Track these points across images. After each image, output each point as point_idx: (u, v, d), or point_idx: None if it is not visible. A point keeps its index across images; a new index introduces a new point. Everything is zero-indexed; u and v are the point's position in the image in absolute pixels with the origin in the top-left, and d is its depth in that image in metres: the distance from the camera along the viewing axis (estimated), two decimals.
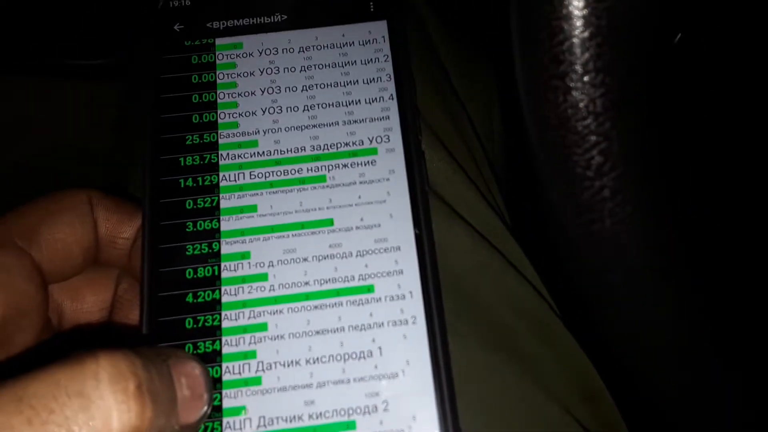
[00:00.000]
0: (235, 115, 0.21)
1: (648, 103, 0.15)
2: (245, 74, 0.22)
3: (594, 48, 0.14)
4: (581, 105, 0.14)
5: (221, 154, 0.21)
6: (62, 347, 0.20)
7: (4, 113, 0.34)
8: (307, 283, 0.19)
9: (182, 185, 0.20)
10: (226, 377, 0.19)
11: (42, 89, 0.35)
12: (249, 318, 0.19)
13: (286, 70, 0.22)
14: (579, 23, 0.13)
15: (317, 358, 0.19)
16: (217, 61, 0.22)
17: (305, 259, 0.20)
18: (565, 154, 0.14)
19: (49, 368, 0.13)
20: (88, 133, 0.34)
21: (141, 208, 0.20)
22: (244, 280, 0.19)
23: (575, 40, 0.14)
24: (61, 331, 0.20)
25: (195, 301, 0.19)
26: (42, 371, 0.13)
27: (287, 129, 0.21)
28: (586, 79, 0.14)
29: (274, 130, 0.21)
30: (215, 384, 0.18)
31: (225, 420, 0.18)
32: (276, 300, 0.19)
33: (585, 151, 0.14)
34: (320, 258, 0.20)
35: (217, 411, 0.18)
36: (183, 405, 0.15)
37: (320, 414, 0.18)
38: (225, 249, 0.20)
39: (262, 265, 0.20)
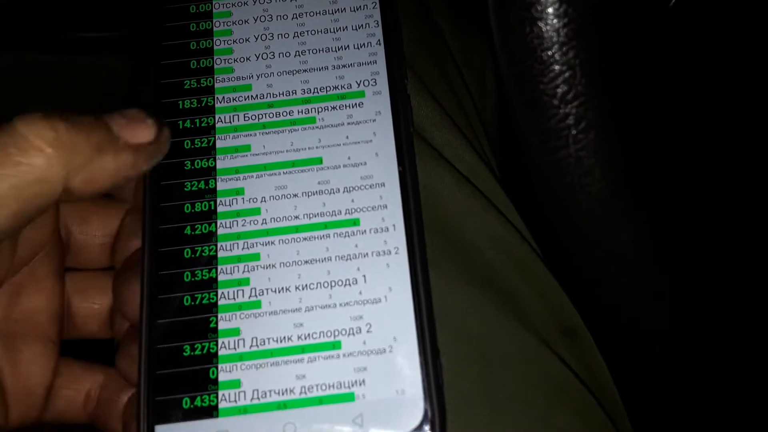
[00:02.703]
0: (230, 61, 0.22)
1: (613, 36, 0.15)
2: (240, 22, 0.23)
3: None
4: (546, 35, 0.15)
5: (217, 98, 0.22)
6: None
7: (13, 89, 0.35)
8: (297, 217, 0.21)
9: (181, 126, 0.22)
10: (221, 302, 0.20)
11: (50, 64, 0.36)
12: (243, 249, 0.20)
13: (278, 17, 0.23)
14: None
15: (306, 285, 0.20)
16: (214, 10, 0.23)
17: (295, 195, 0.21)
18: (532, 84, 0.15)
19: None
20: (97, 107, 0.35)
21: None
22: (238, 214, 0.21)
23: None
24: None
25: (193, 233, 0.21)
26: None
27: (279, 74, 0.22)
28: (550, 10, 0.14)
29: (266, 75, 0.22)
30: (212, 308, 0.20)
31: (220, 340, 0.20)
32: (268, 232, 0.21)
33: (550, 80, 0.15)
34: (309, 194, 0.21)
35: (213, 332, 0.20)
36: (123, 129, 0.18)
37: (308, 335, 0.19)
38: (221, 186, 0.21)
39: (255, 200, 0.21)
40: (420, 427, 0.19)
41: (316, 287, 0.20)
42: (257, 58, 0.22)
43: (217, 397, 0.19)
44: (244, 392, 0.19)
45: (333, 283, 0.20)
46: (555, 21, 0.15)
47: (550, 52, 0.15)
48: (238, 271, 0.20)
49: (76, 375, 0.21)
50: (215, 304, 0.20)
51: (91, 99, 0.36)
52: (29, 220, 0.17)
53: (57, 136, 0.16)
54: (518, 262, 0.24)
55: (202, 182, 0.21)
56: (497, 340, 0.22)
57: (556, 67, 0.15)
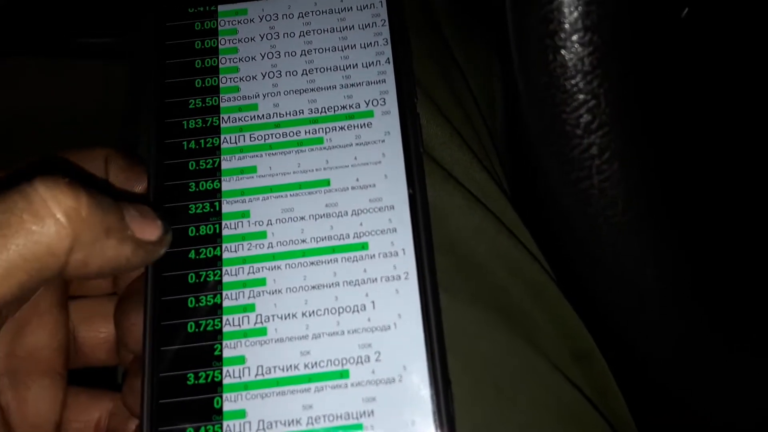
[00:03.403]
0: (236, 80, 0.22)
1: (636, 63, 0.15)
2: (246, 40, 0.22)
3: (582, 7, 0.14)
4: (570, 64, 0.14)
5: (222, 118, 0.21)
6: None
7: (15, 91, 0.35)
8: (304, 241, 0.20)
9: (185, 147, 0.21)
10: (226, 329, 0.19)
11: (53, 68, 0.35)
12: (248, 273, 0.20)
13: (285, 35, 0.22)
14: None
15: (313, 312, 0.19)
16: (219, 27, 0.23)
17: (302, 218, 0.20)
18: (555, 113, 0.15)
19: None
20: (99, 112, 0.34)
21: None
22: (244, 237, 0.20)
23: (564, 0, 0.14)
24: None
25: (197, 257, 0.20)
26: None
27: (286, 93, 0.22)
28: (574, 38, 0.14)
29: (273, 94, 0.22)
30: (216, 335, 0.19)
31: (225, 369, 0.19)
32: (274, 257, 0.20)
33: (573, 110, 0.15)
34: (317, 217, 0.20)
35: (217, 361, 0.19)
36: (134, 221, 0.17)
37: (315, 363, 0.19)
38: (226, 208, 0.20)
39: (261, 223, 0.20)
40: None
41: (324, 313, 0.19)
42: (264, 76, 0.22)
43: (221, 428, 0.18)
44: (249, 423, 0.18)
45: (341, 310, 0.19)
46: (579, 49, 0.14)
47: (573, 81, 0.14)
48: (244, 296, 0.20)
49: (84, 405, 0.20)
50: (220, 331, 0.19)
51: (92, 103, 0.35)
52: (34, 291, 0.16)
53: (77, 207, 0.16)
54: (530, 285, 0.23)
55: (207, 204, 0.21)
56: (509, 364, 0.22)
57: (580, 96, 0.14)
